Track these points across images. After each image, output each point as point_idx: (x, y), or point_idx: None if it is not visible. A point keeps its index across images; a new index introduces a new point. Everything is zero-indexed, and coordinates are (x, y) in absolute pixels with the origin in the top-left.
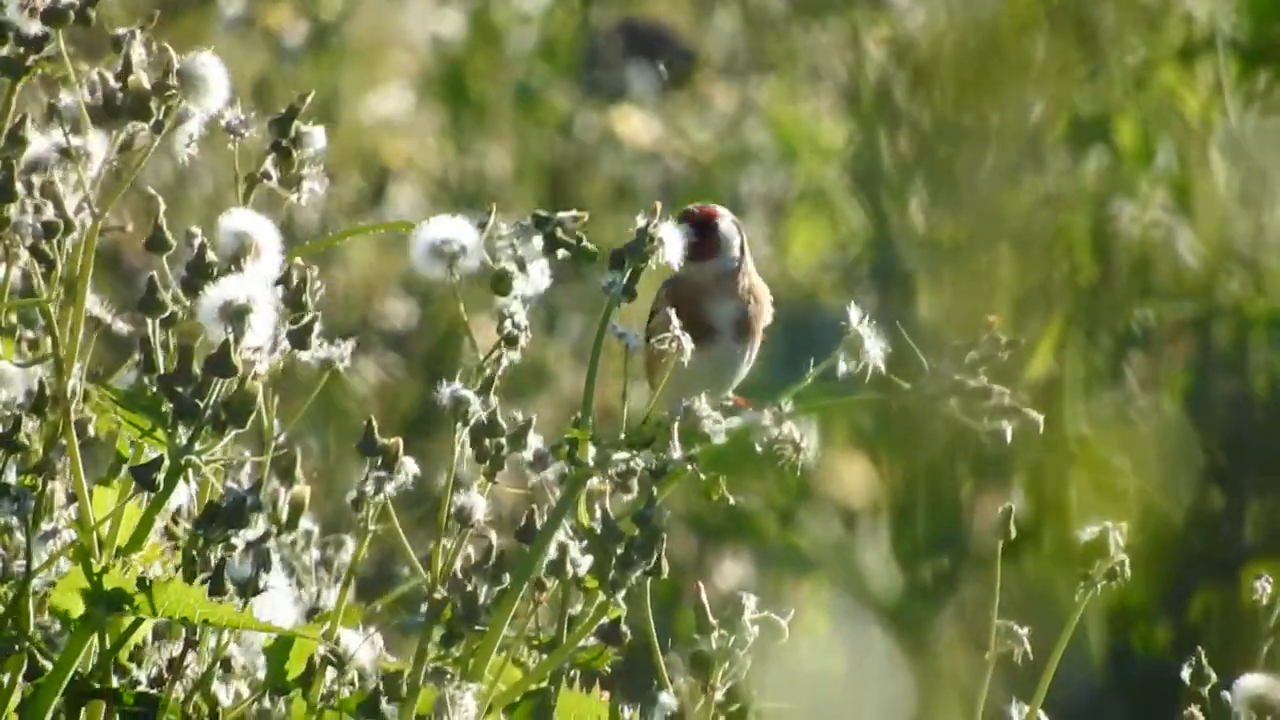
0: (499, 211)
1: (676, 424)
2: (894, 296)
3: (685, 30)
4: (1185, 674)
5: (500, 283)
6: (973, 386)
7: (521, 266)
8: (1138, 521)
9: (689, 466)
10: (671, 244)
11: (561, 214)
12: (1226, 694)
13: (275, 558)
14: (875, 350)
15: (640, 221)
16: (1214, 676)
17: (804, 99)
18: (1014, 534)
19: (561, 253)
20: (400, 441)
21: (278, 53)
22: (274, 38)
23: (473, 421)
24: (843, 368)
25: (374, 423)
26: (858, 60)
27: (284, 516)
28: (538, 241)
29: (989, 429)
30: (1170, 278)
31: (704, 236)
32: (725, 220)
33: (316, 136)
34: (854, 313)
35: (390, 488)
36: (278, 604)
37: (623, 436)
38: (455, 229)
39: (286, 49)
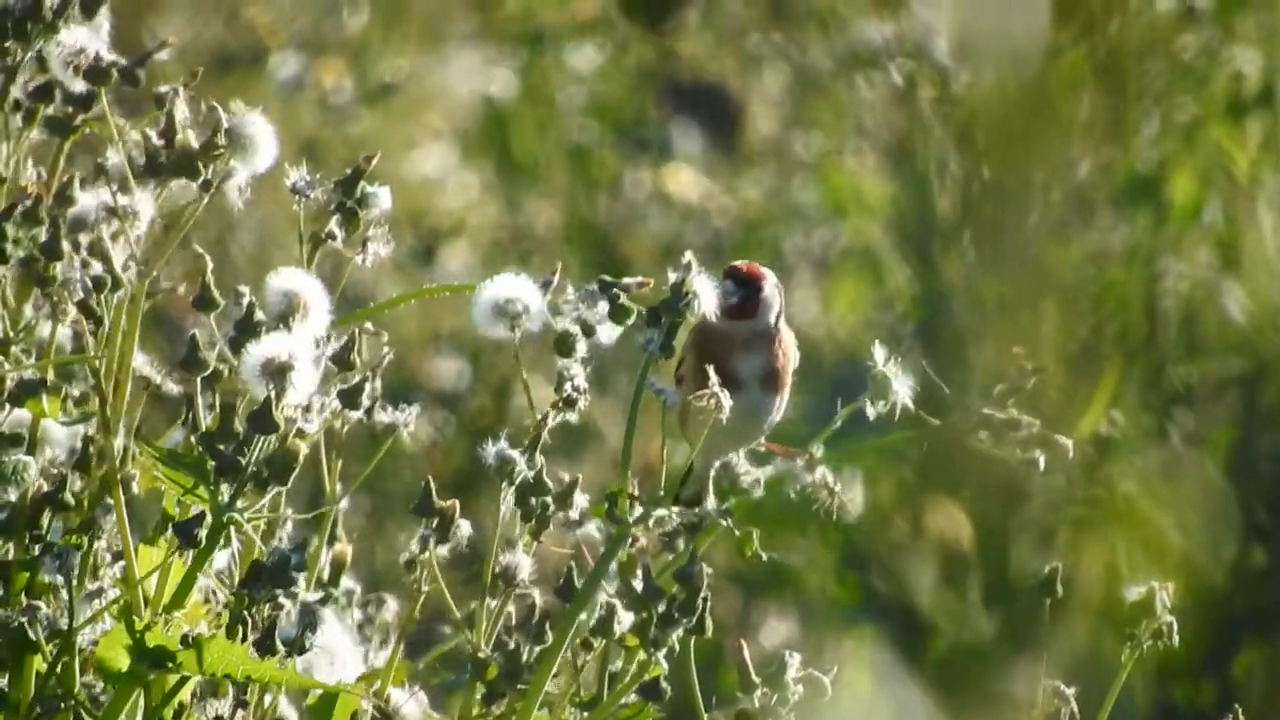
0: (548, 269)
1: (711, 478)
2: (940, 354)
3: (733, 88)
4: None
5: (564, 344)
6: (1000, 418)
7: (586, 330)
8: (1182, 579)
9: (724, 521)
10: (706, 297)
11: (626, 280)
12: None
13: (332, 615)
14: (903, 390)
15: (673, 276)
16: None
17: (850, 156)
18: (1060, 593)
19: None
20: (456, 503)
21: (327, 110)
22: (324, 96)
23: (519, 481)
24: (870, 410)
25: (432, 484)
26: (905, 117)
27: (325, 575)
28: (603, 305)
29: (1020, 459)
30: (1216, 335)
31: (747, 296)
32: (769, 284)
33: (382, 197)
34: (879, 353)
35: (444, 549)
36: (345, 661)
37: (661, 493)
38: (519, 288)
39: (336, 107)
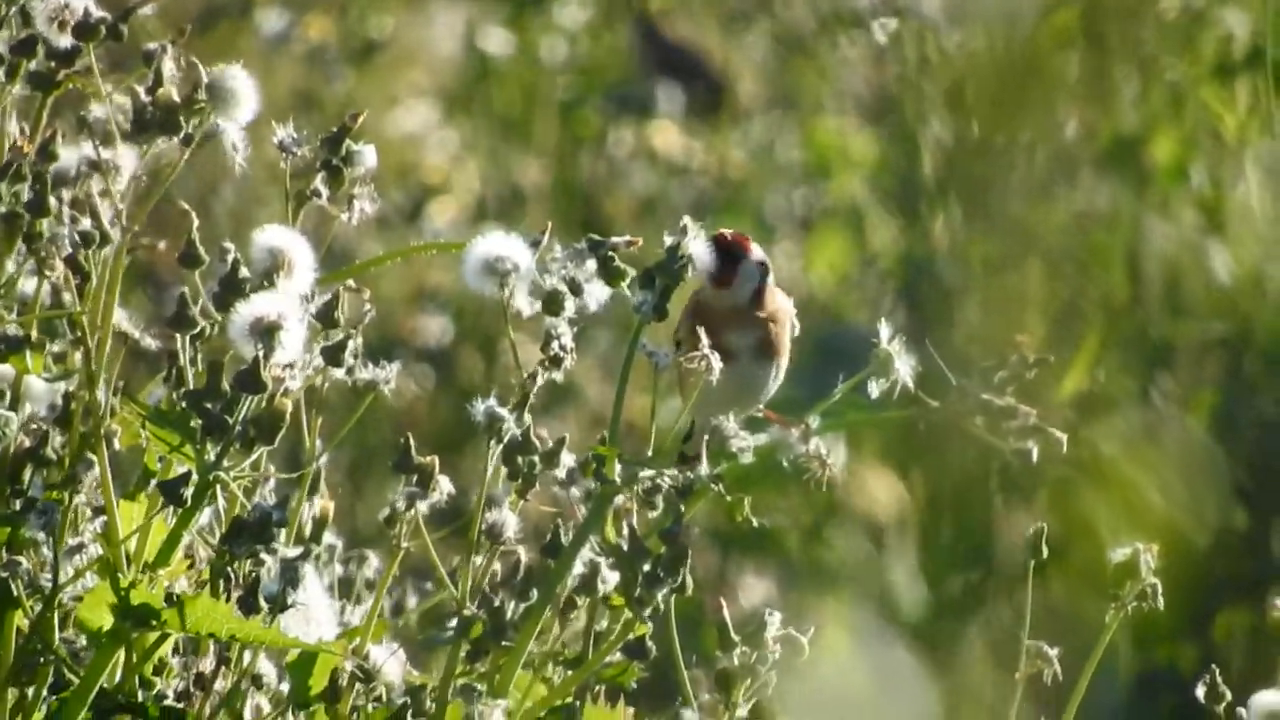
0: (534, 227)
1: (704, 442)
2: (922, 313)
3: (718, 47)
4: (1200, 692)
5: (553, 303)
6: (999, 405)
7: (574, 288)
8: (1164, 541)
9: (715, 485)
10: (701, 260)
11: (615, 238)
12: (1243, 711)
13: (313, 574)
14: (905, 369)
15: (670, 239)
16: (1229, 694)
17: (835, 115)
18: (1044, 554)
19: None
20: (436, 460)
21: (313, 66)
22: (309, 51)
23: (507, 439)
24: (872, 386)
25: (411, 440)
26: (890, 77)
27: (308, 531)
28: (590, 264)
29: (1014, 448)
30: (1201, 297)
31: (726, 265)
32: (753, 254)
33: (367, 155)
34: (885, 330)
35: (424, 505)
36: (319, 619)
37: (650, 454)
38: (509, 247)
39: (322, 63)
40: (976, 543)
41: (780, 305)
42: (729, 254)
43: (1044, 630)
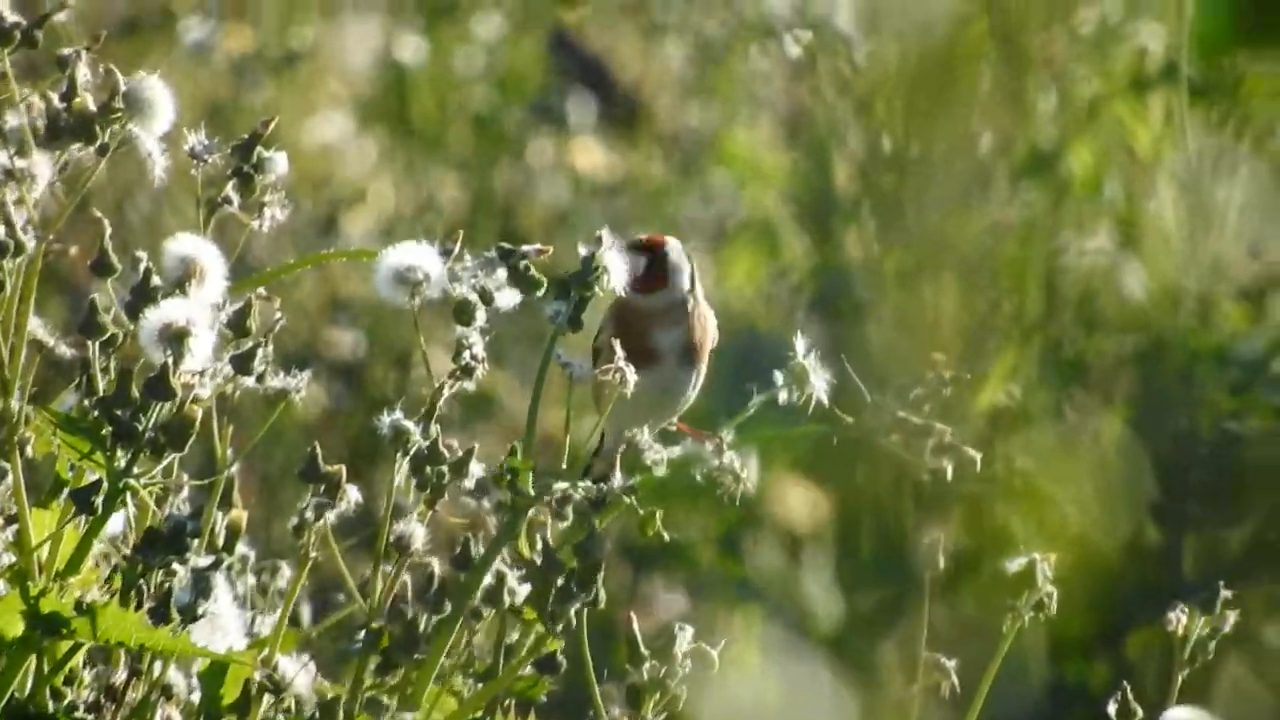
0: (448, 239)
1: (619, 454)
2: (837, 325)
3: (632, 58)
4: (1111, 708)
5: (463, 312)
6: (915, 424)
7: (485, 297)
8: (1076, 555)
9: (628, 498)
10: (616, 271)
11: (526, 246)
12: None
13: (224, 584)
14: (820, 382)
15: (584, 250)
16: (1140, 711)
17: (749, 127)
18: (947, 566)
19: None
20: (343, 469)
21: (232, 76)
22: (228, 61)
23: (413, 451)
24: (785, 398)
25: (318, 449)
26: (804, 88)
27: (221, 541)
28: (501, 273)
29: (929, 466)
30: (1115, 311)
31: (654, 266)
32: (674, 250)
33: (279, 162)
34: (800, 343)
35: (332, 515)
36: (227, 629)
37: (564, 466)
38: (419, 256)
39: (240, 73)
40: (891, 556)
41: (706, 310)
42: (653, 254)
43: (956, 643)
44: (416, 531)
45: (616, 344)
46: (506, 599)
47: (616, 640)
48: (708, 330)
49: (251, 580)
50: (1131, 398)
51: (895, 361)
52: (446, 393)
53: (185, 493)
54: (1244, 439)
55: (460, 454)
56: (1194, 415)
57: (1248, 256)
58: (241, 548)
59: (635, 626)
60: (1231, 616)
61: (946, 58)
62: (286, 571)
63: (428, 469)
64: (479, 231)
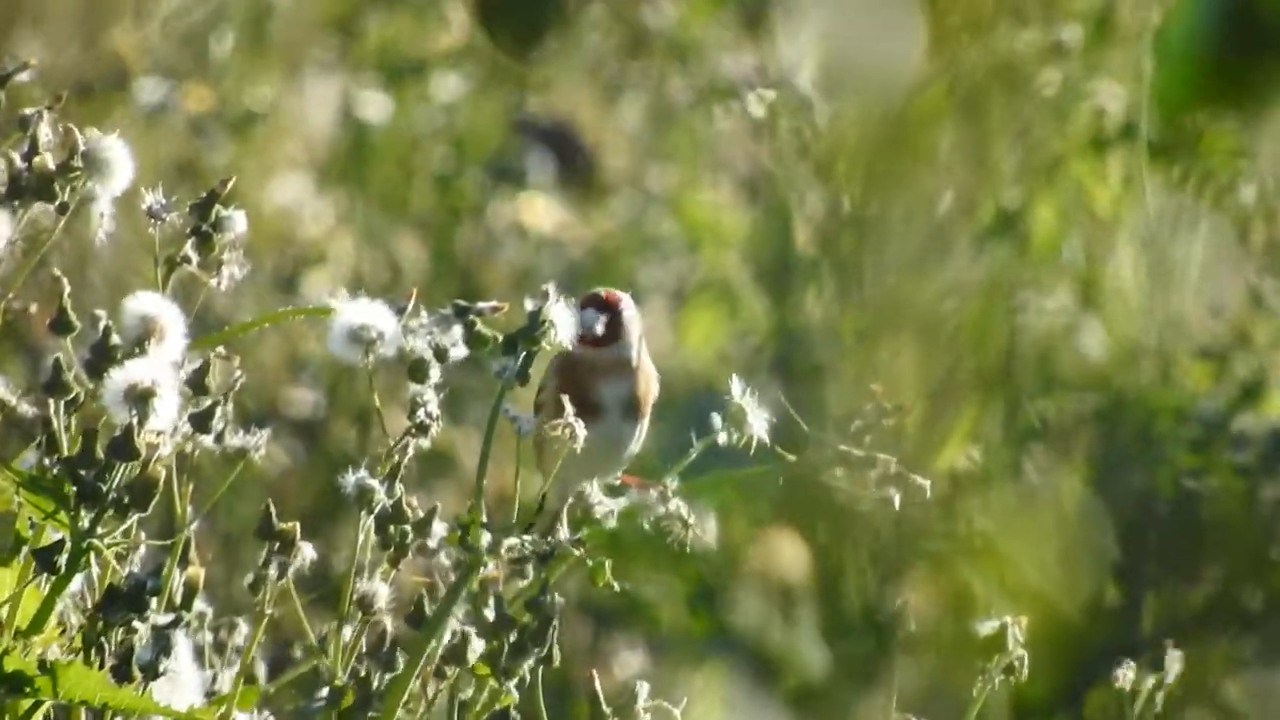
0: (405, 298)
1: (565, 508)
2: (796, 387)
3: (591, 118)
4: None
5: (417, 370)
6: (858, 455)
7: (439, 355)
8: (1037, 614)
9: (577, 551)
10: (564, 327)
11: (481, 304)
12: None
13: (183, 642)
14: (759, 423)
15: (531, 305)
16: None
17: (708, 188)
18: (913, 627)
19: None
20: (297, 526)
21: (190, 136)
22: (188, 121)
23: (377, 509)
24: (726, 440)
25: (272, 507)
26: (764, 149)
27: (179, 598)
28: (456, 330)
29: (875, 497)
30: (1075, 371)
31: (610, 323)
32: (629, 307)
33: (237, 221)
34: (736, 386)
35: (288, 572)
36: (185, 687)
37: (514, 521)
38: (373, 315)
39: (199, 133)
40: (856, 614)
41: (648, 365)
42: (609, 310)
43: (919, 702)
44: (380, 590)
45: (565, 399)
46: (470, 657)
47: (577, 698)
48: (651, 385)
49: (209, 637)
50: (1092, 456)
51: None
52: (407, 451)
53: (143, 550)
54: (1204, 497)
55: (423, 513)
56: (1154, 474)
57: (1208, 315)
58: (199, 604)
59: (597, 684)
60: (1175, 670)
61: (906, 119)
62: (244, 628)
63: (391, 528)
64: (439, 290)
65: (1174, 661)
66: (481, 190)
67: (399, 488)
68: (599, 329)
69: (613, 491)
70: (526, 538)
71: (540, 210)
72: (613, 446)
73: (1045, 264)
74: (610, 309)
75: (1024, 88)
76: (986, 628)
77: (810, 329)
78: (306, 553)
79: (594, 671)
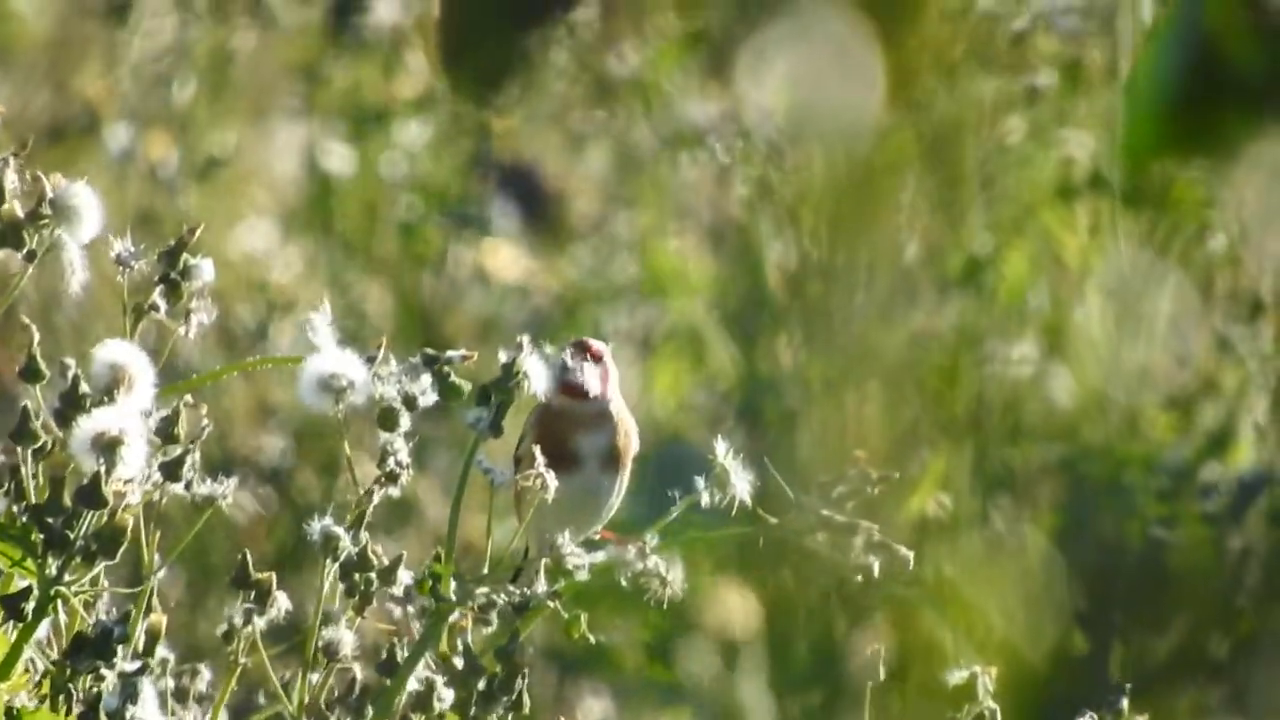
0: (370, 346)
1: (541, 559)
2: (763, 434)
3: (555, 165)
4: None
5: (387, 418)
6: (839, 521)
7: (409, 404)
8: (1003, 663)
9: (551, 603)
10: (537, 377)
11: (450, 353)
12: None
13: (149, 688)
14: (742, 484)
15: (505, 356)
16: None
17: (673, 235)
18: (882, 675)
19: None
20: (273, 576)
21: (156, 183)
22: (153, 168)
23: (343, 557)
24: (707, 500)
25: (249, 556)
26: (730, 197)
27: (141, 645)
28: (425, 379)
29: (856, 565)
30: (1042, 420)
31: (594, 374)
32: (607, 355)
33: (205, 269)
34: (720, 446)
35: (262, 621)
36: None
37: (485, 571)
38: (343, 363)
39: (164, 180)
40: (820, 662)
41: (628, 416)
42: (593, 361)
43: None
44: (345, 639)
45: (537, 450)
46: (436, 705)
47: None
48: (631, 437)
49: (171, 683)
50: (1059, 506)
51: (823, 470)
52: (374, 500)
53: (107, 598)
54: (1171, 547)
55: (388, 561)
56: (1121, 523)
57: (1175, 365)
58: (163, 651)
59: None
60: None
61: (872, 165)
62: (206, 674)
63: (357, 575)
64: (405, 337)
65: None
66: (446, 237)
67: (365, 535)
68: (590, 380)
69: (591, 546)
70: (499, 588)
71: (505, 257)
72: (591, 498)
73: (1012, 312)
74: (595, 359)
75: (991, 135)
76: (956, 677)
77: (778, 377)
78: (281, 603)
79: (561, 718)
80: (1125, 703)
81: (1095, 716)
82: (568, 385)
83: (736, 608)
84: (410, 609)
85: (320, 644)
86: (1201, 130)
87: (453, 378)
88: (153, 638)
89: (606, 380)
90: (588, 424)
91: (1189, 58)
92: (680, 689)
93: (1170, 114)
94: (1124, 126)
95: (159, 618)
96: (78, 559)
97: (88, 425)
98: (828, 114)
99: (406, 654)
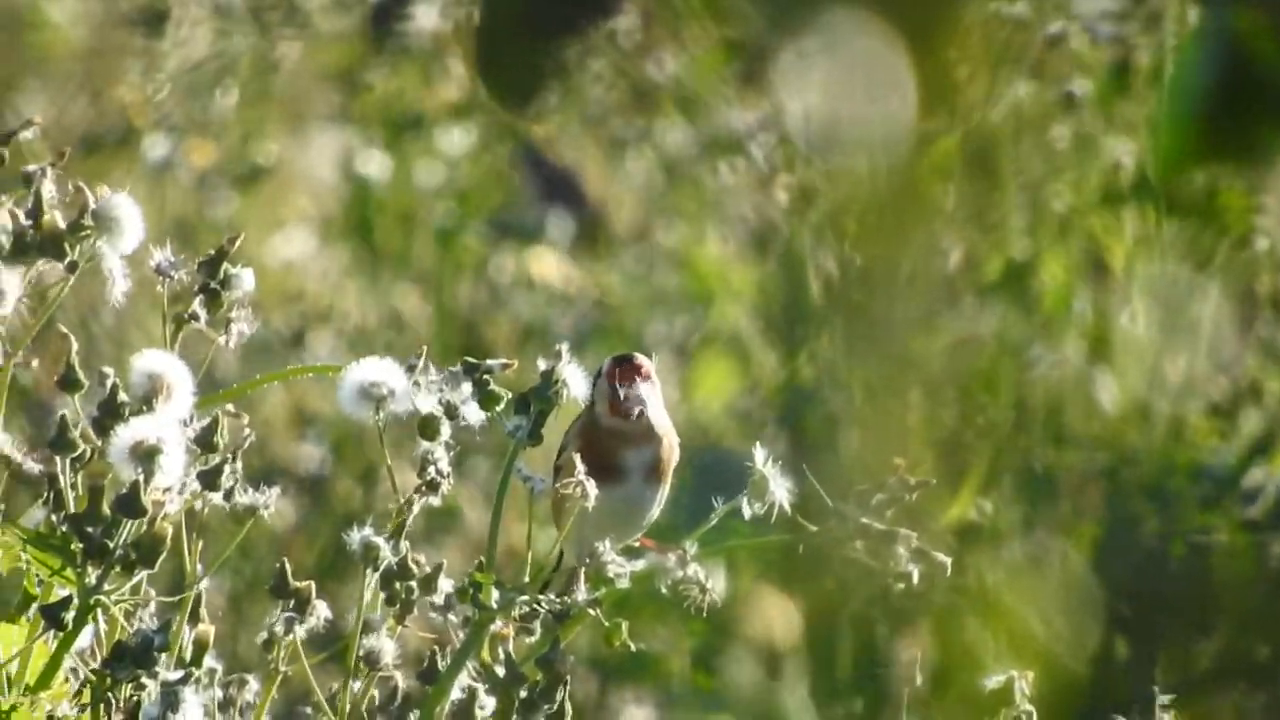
0: (414, 355)
1: (582, 567)
2: (804, 441)
3: (595, 172)
4: None
5: (428, 427)
6: (879, 529)
7: (450, 412)
8: (1044, 670)
9: (592, 611)
10: (577, 386)
11: (490, 361)
12: None
13: (192, 698)
14: (781, 491)
15: (544, 365)
16: None
17: (714, 241)
18: (922, 682)
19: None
20: (313, 584)
21: (196, 192)
22: (192, 177)
23: (383, 566)
24: (748, 510)
25: (287, 565)
26: (771, 204)
27: (188, 655)
28: (466, 387)
29: (897, 572)
30: (1084, 426)
31: (648, 395)
32: (653, 372)
33: (245, 279)
34: (759, 454)
35: (301, 630)
36: None
37: (527, 579)
38: (384, 372)
39: (205, 188)
40: (862, 670)
41: (671, 429)
42: (645, 381)
43: None
44: (386, 647)
45: (578, 458)
46: (478, 714)
47: None
48: (674, 450)
49: (219, 694)
50: (1101, 512)
51: (864, 477)
52: (414, 509)
53: (152, 607)
54: (1214, 553)
55: (429, 569)
56: (1163, 530)
57: (1218, 371)
58: (209, 661)
59: None
60: None
61: (913, 173)
62: (254, 685)
63: (397, 584)
64: (444, 346)
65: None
66: (485, 244)
67: (405, 544)
68: (641, 404)
69: (631, 553)
70: (542, 597)
71: (546, 265)
72: (633, 510)
73: (1056, 319)
74: (644, 379)
75: (1035, 141)
76: (993, 681)
77: (819, 383)
78: (321, 611)
79: None
80: (1162, 709)
81: None
82: (618, 409)
83: (778, 615)
84: (452, 617)
85: (362, 653)
86: (1235, 136)
87: (492, 386)
88: (200, 647)
89: (654, 397)
90: (634, 439)
91: (1221, 65)
92: (722, 697)
93: (1203, 121)
94: (1166, 131)
95: (206, 628)
96: (117, 568)
97: (126, 434)
98: (864, 122)
99: (448, 662)
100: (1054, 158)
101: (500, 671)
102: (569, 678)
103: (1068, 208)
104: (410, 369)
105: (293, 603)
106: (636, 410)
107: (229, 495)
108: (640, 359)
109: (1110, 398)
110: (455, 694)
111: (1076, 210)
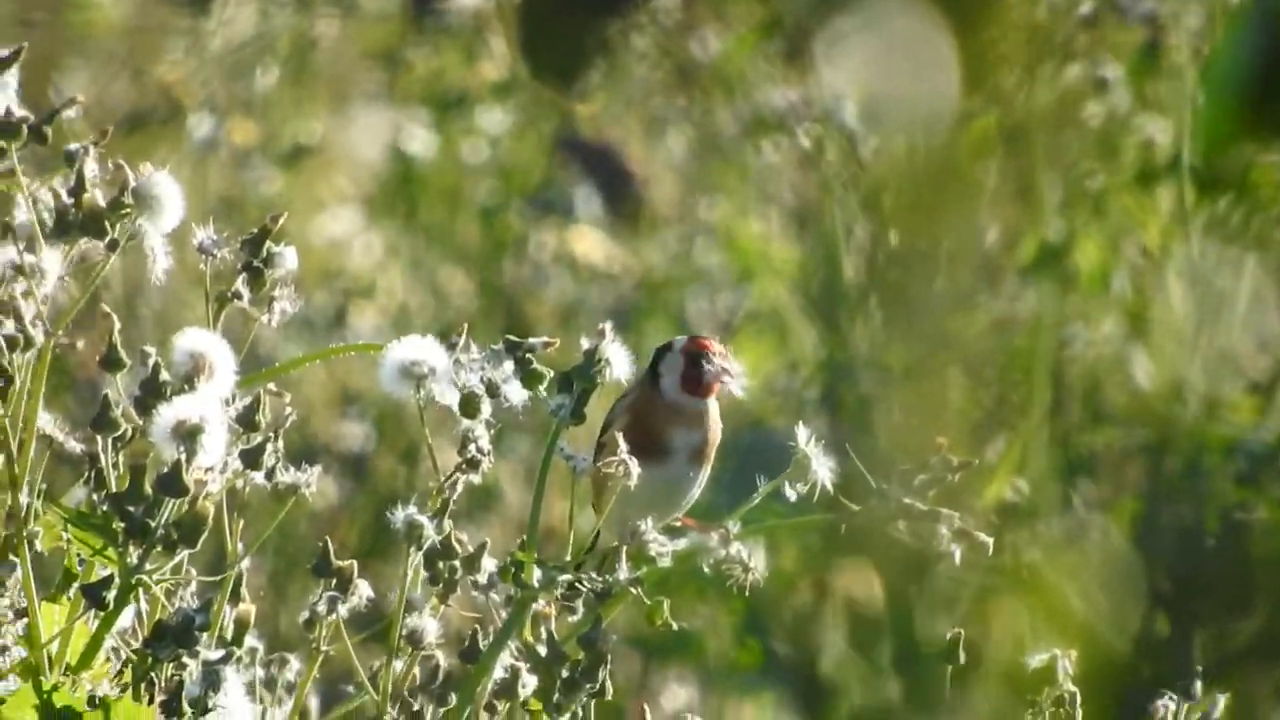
0: (457, 332)
1: (624, 546)
2: (844, 419)
3: (637, 151)
4: None
5: (469, 405)
6: (921, 510)
7: (491, 391)
8: (1085, 648)
9: (634, 589)
10: (619, 365)
11: (532, 339)
12: None
13: (234, 676)
14: (823, 471)
15: (587, 344)
16: None
17: (756, 219)
18: (963, 660)
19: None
20: (355, 564)
21: (238, 170)
22: (235, 155)
23: (426, 545)
24: (790, 491)
25: (330, 544)
26: (811, 182)
27: (229, 634)
28: (508, 365)
29: (938, 552)
30: (1123, 404)
31: (712, 373)
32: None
33: (288, 257)
34: (802, 433)
35: (343, 609)
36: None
37: (568, 558)
38: (425, 350)
39: (247, 167)
40: (901, 647)
41: (716, 411)
42: (712, 363)
43: None
44: (429, 626)
45: (621, 438)
46: (520, 692)
47: None
48: (719, 434)
49: (260, 673)
50: (1139, 490)
51: (903, 455)
52: (456, 487)
53: (194, 586)
54: (1252, 530)
55: (472, 548)
56: (1202, 507)
57: (1256, 349)
58: (250, 640)
59: (648, 717)
60: (1221, 702)
61: (953, 152)
62: (295, 664)
63: (440, 564)
64: (487, 324)
65: (1215, 695)
66: (527, 223)
67: (448, 523)
68: (732, 385)
69: (672, 532)
70: (584, 575)
71: (588, 243)
72: (676, 490)
73: (1093, 297)
74: (714, 362)
75: (1070, 121)
76: (1036, 660)
77: (858, 361)
78: (363, 590)
79: (644, 705)
80: (1200, 686)
81: (1175, 699)
82: (696, 385)
83: (821, 593)
84: (494, 596)
85: (404, 632)
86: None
87: (535, 365)
88: (241, 627)
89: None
90: (687, 419)
91: (1265, 43)
92: (764, 674)
93: (1246, 99)
94: (1201, 111)
95: (248, 607)
96: (158, 547)
97: (168, 413)
98: (905, 101)
99: (490, 641)
100: (1089, 136)
101: (542, 650)
102: (610, 657)
103: (1103, 186)
104: (451, 347)
105: (335, 582)
106: (715, 385)
107: (270, 474)
108: (709, 340)
109: (1147, 375)
110: (497, 673)
111: (1112, 188)
